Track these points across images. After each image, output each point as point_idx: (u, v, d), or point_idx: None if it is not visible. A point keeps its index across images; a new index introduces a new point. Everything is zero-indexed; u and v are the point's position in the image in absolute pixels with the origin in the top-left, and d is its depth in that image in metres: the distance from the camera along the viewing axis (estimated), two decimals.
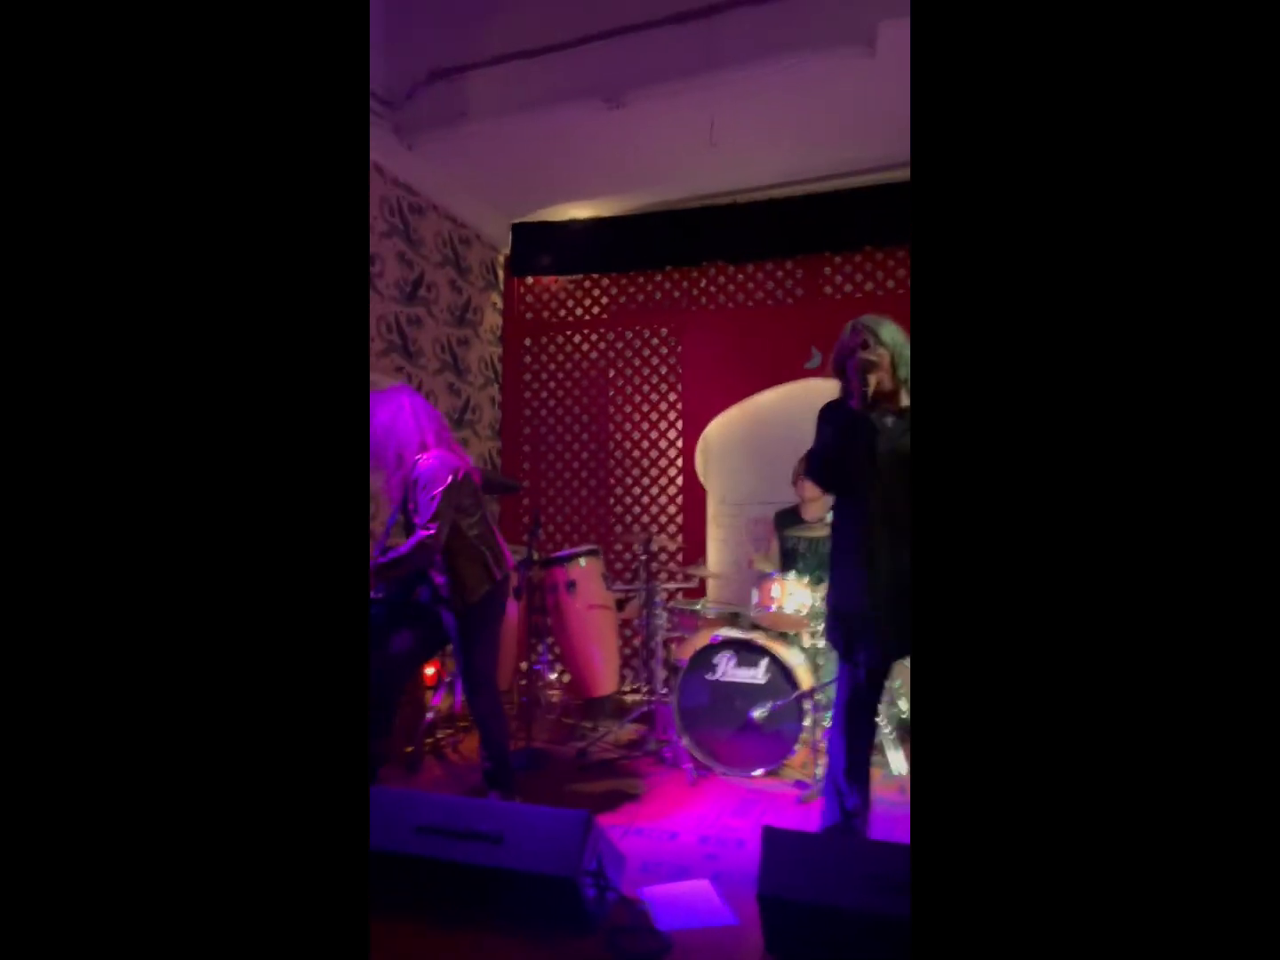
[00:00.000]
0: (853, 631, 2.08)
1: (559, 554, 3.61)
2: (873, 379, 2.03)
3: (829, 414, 2.17)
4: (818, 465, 2.15)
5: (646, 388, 4.47)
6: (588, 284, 4.59)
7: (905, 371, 2.09)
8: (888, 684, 3.14)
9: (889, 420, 2.09)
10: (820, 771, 2.89)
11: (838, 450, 2.08)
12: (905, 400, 2.10)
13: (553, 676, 3.89)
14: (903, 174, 3.78)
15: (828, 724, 2.95)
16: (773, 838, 1.75)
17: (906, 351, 2.11)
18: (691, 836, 2.45)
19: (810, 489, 3.46)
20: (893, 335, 2.11)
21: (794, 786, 2.93)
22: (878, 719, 3.07)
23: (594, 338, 4.58)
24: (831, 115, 3.42)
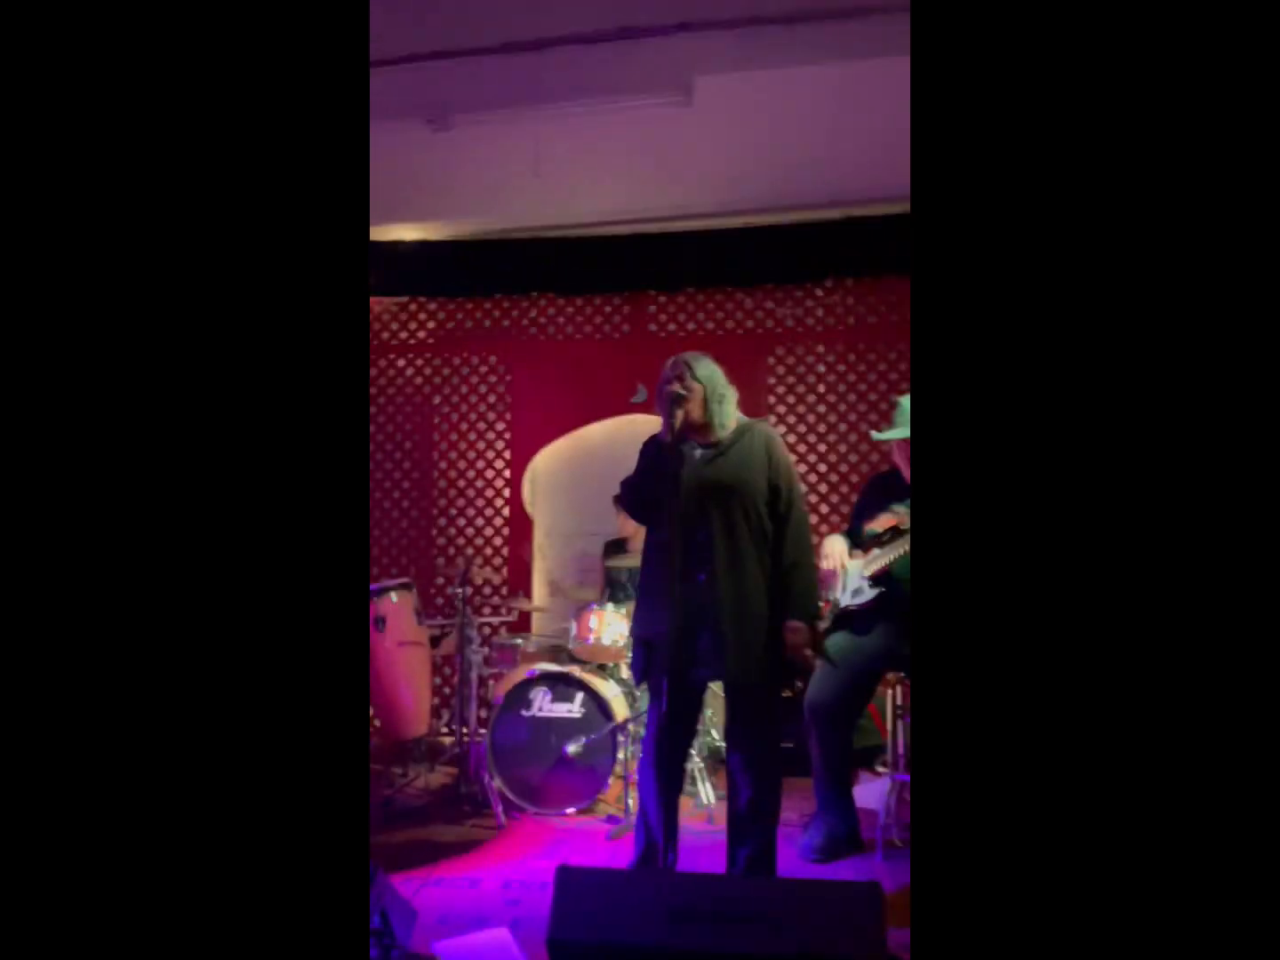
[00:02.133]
0: (652, 657, 2.10)
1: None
2: (679, 412, 2.09)
3: (645, 447, 2.23)
4: (625, 494, 2.21)
5: (474, 416, 4.37)
6: (414, 307, 4.45)
7: (716, 407, 2.16)
8: (701, 714, 3.21)
9: (697, 452, 2.15)
10: (633, 804, 2.88)
11: (643, 480, 2.13)
12: (716, 434, 2.17)
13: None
14: (719, 221, 3.97)
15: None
16: (567, 877, 1.70)
17: (721, 388, 2.18)
18: (494, 883, 2.35)
19: (628, 520, 3.50)
20: (708, 371, 2.18)
21: (606, 822, 2.90)
22: (691, 750, 3.11)
23: (419, 363, 4.43)
24: (652, 159, 3.54)
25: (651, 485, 2.11)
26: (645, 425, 4.35)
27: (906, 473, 2.47)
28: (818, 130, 3.38)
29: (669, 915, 1.57)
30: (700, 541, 2.07)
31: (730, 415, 2.19)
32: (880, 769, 3.06)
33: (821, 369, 4.05)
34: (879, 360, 4.00)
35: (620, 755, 2.98)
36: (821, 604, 2.62)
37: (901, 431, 2.46)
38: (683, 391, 2.11)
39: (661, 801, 2.14)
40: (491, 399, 4.37)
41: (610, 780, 2.97)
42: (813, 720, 2.49)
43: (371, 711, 3.57)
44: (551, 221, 4.09)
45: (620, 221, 4.05)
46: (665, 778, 2.16)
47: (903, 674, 2.61)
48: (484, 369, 4.38)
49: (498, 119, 3.37)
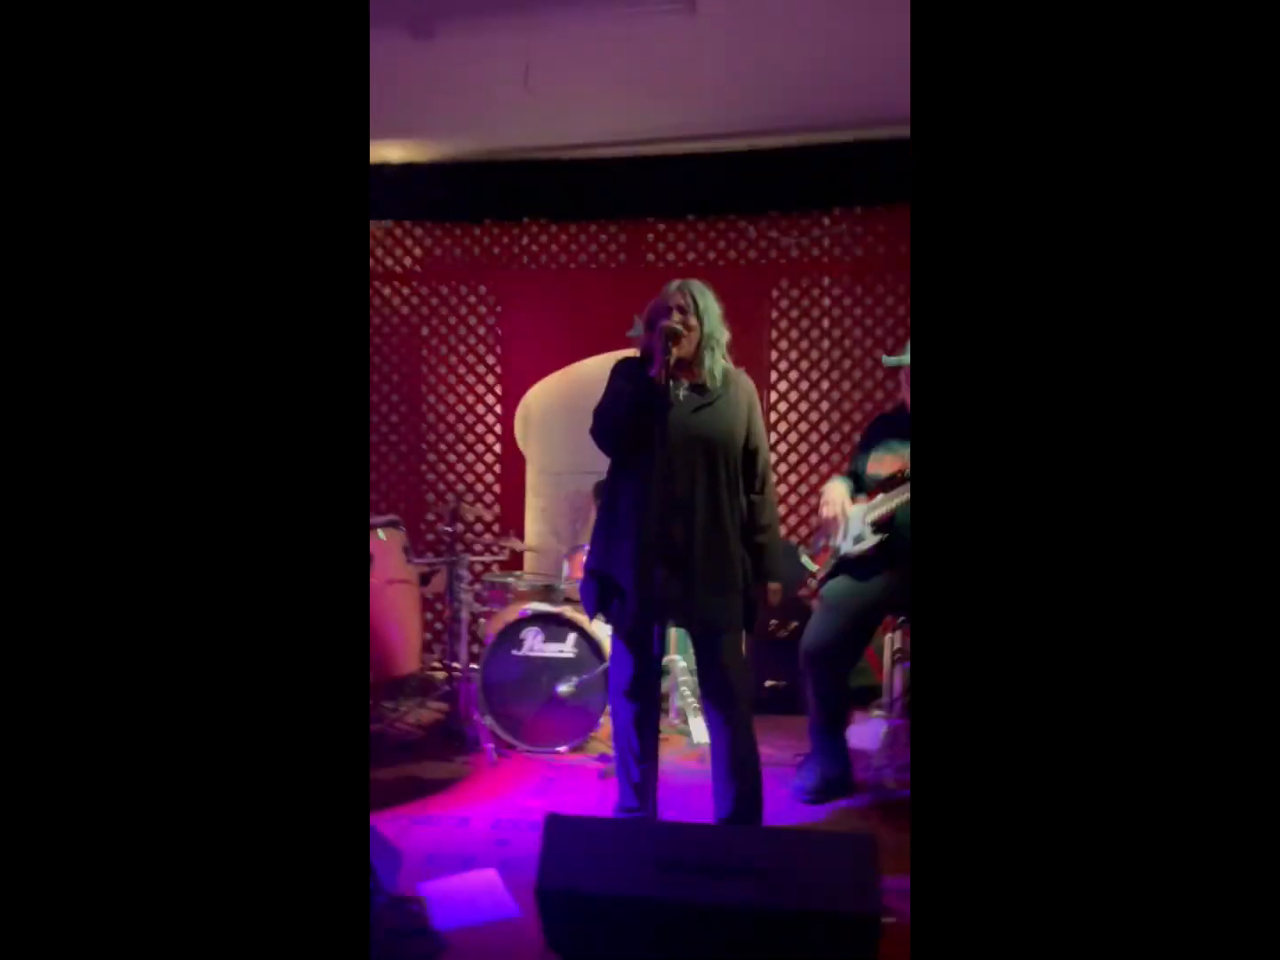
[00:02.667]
0: (608, 594, 2.05)
1: None
2: (675, 350, 1.97)
3: (624, 371, 2.09)
4: (600, 425, 2.07)
5: (463, 348, 4.22)
6: (399, 232, 4.25)
7: (709, 352, 2.05)
8: (680, 655, 3.17)
9: (682, 393, 2.04)
10: None
11: (625, 414, 2.00)
12: (704, 379, 2.06)
13: None
14: (725, 144, 3.75)
15: None
16: (555, 825, 1.66)
17: (719, 330, 2.07)
18: (484, 822, 2.34)
19: None
20: (711, 309, 2.06)
21: (598, 760, 2.88)
22: (681, 686, 3.08)
23: (405, 291, 4.26)
24: (652, 74, 3.30)
25: (631, 422, 1.98)
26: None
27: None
28: (830, 44, 3.14)
29: (657, 866, 1.54)
30: (681, 491, 1.98)
31: (720, 361, 2.09)
32: (876, 711, 3.04)
33: (827, 302, 3.89)
34: (887, 293, 3.84)
35: None
36: (820, 548, 2.56)
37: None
38: (681, 329, 1.99)
39: (644, 743, 2.10)
40: (481, 330, 4.21)
41: (602, 719, 2.95)
42: (808, 664, 2.45)
43: None
44: (544, 142, 3.87)
45: (618, 143, 3.83)
46: (646, 719, 2.10)
47: (902, 618, 2.56)
48: (473, 299, 4.21)
49: (484, 27, 3.13)
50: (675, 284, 2.08)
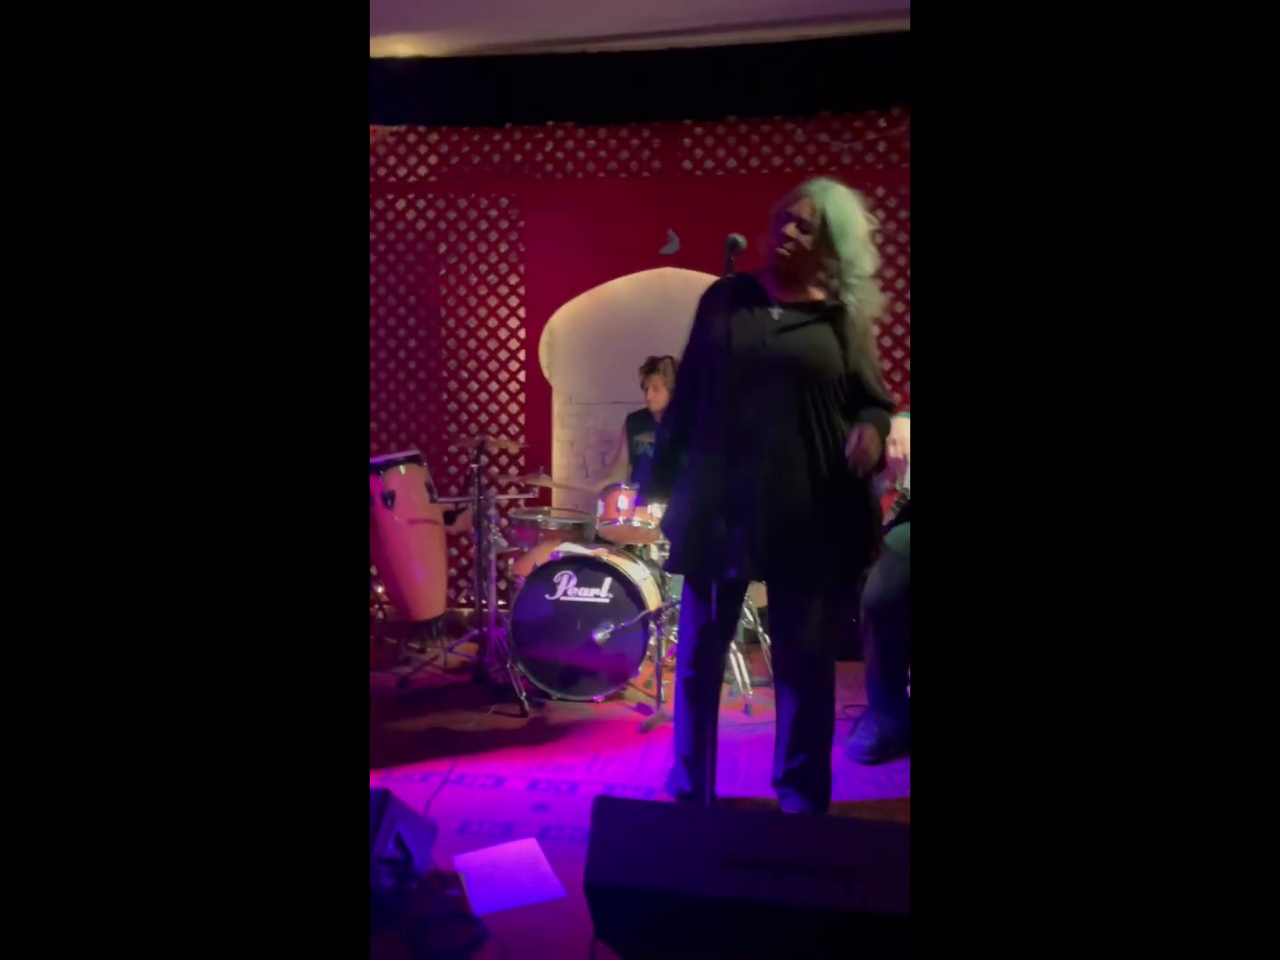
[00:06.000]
0: (685, 552, 1.83)
1: (374, 460, 3.12)
2: (790, 246, 1.70)
3: (712, 300, 1.82)
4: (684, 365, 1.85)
5: (484, 267, 3.91)
6: (412, 138, 3.90)
7: (838, 256, 1.71)
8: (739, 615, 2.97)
9: (776, 312, 1.75)
10: (664, 693, 2.71)
11: (717, 350, 1.70)
12: (818, 294, 1.76)
13: (377, 591, 3.47)
14: (768, 34, 3.34)
15: (675, 641, 2.76)
16: (604, 809, 1.49)
17: (848, 245, 1.70)
18: (520, 782, 2.19)
19: (658, 391, 3.15)
20: (840, 208, 1.72)
21: (635, 711, 2.73)
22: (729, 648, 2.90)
23: (421, 204, 3.93)
24: None
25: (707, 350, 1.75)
26: (677, 280, 3.92)
27: None
28: None
29: (718, 860, 1.36)
30: (746, 423, 1.72)
31: (833, 281, 1.73)
32: None
33: (881, 215, 3.54)
34: None
35: (651, 641, 2.79)
36: (885, 492, 2.32)
37: None
38: (807, 218, 1.70)
39: (697, 719, 1.92)
40: (503, 247, 3.89)
41: (641, 667, 2.79)
42: (871, 616, 2.24)
43: (383, 591, 3.38)
44: (574, 34, 3.47)
45: (651, 34, 3.43)
46: (705, 691, 1.91)
47: None
48: (494, 213, 3.88)
49: None
50: (809, 187, 1.74)
